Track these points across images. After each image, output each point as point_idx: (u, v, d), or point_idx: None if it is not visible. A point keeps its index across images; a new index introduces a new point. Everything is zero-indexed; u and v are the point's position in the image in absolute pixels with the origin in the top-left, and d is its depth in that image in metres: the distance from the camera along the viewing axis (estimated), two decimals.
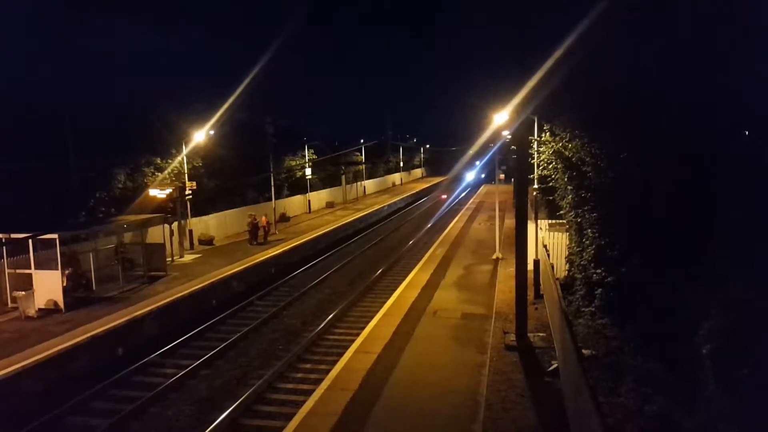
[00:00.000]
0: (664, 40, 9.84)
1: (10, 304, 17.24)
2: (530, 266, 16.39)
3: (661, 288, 10.25)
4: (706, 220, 9.25)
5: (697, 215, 9.46)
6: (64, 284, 17.11)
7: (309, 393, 11.55)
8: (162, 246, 22.40)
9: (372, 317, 16.45)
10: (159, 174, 27.73)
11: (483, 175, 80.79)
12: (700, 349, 7.79)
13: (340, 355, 13.56)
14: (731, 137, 9.84)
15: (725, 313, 7.66)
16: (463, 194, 68.38)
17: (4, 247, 17.10)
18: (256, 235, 29.34)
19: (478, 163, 77.40)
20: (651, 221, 10.78)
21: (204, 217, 30.01)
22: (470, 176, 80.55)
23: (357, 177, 60.31)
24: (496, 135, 30.27)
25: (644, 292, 10.86)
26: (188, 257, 25.62)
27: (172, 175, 28.17)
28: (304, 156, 45.81)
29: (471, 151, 66.85)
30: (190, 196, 26.92)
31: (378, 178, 71.90)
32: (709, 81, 9.23)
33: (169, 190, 25.38)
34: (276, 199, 36.24)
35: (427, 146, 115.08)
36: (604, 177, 12.72)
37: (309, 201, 45.32)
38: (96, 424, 11.68)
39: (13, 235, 16.32)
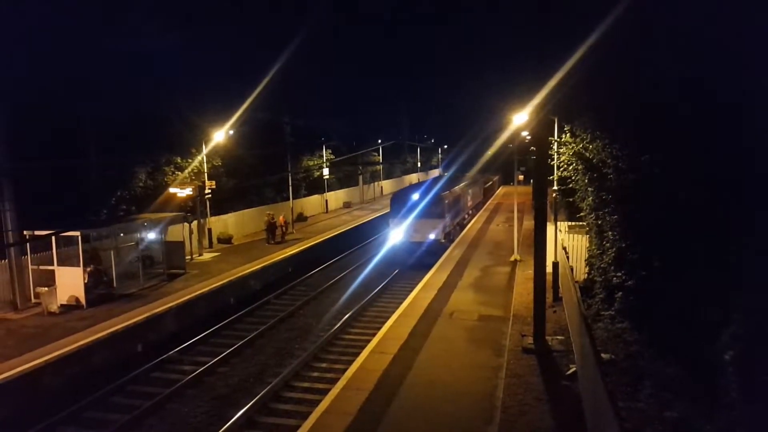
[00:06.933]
0: (686, 39, 9.65)
1: (33, 300, 17.59)
2: (549, 269, 16.22)
3: (682, 292, 10.07)
4: (729, 222, 9.06)
5: (720, 218, 9.27)
6: (86, 281, 17.39)
7: (325, 392, 11.59)
8: (181, 244, 22.69)
9: (388, 318, 16.44)
10: (179, 173, 28.10)
11: (443, 229, 27.91)
12: (723, 355, 7.63)
13: (356, 355, 13.58)
14: (760, 138, 9.61)
15: (749, 318, 7.49)
16: None
17: (28, 244, 17.46)
18: (274, 234, 29.57)
19: (439, 171, 37.87)
20: (673, 224, 10.59)
21: (223, 216, 30.33)
22: (395, 236, 27.30)
23: (374, 177, 60.38)
24: (516, 136, 30.04)
25: (665, 295, 10.68)
26: (207, 255, 25.88)
27: (192, 174, 28.52)
28: (322, 156, 45.98)
29: (490, 152, 61.54)
30: (210, 195, 27.21)
31: (395, 179, 71.85)
32: (736, 79, 9.02)
33: (189, 189, 25.72)
34: (293, 198, 36.44)
35: (445, 147, 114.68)
36: (625, 179, 12.53)
37: (326, 201, 45.48)
38: (115, 419, 11.84)
39: (37, 232, 16.65)
